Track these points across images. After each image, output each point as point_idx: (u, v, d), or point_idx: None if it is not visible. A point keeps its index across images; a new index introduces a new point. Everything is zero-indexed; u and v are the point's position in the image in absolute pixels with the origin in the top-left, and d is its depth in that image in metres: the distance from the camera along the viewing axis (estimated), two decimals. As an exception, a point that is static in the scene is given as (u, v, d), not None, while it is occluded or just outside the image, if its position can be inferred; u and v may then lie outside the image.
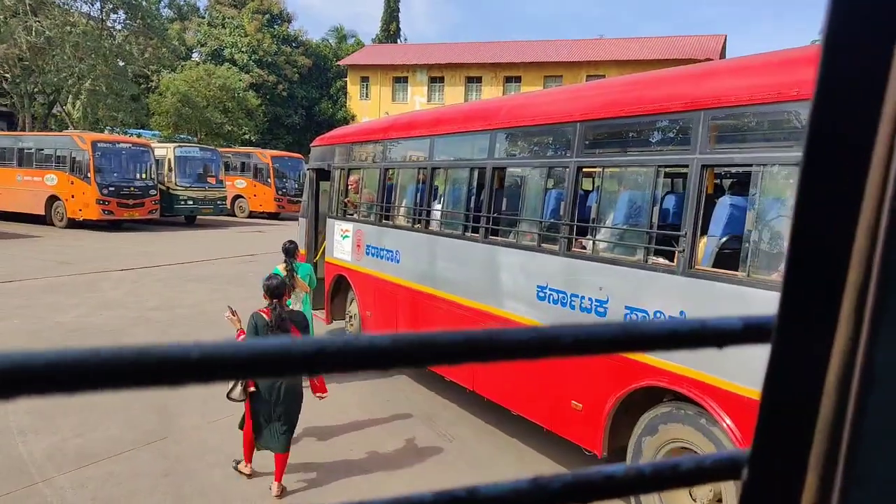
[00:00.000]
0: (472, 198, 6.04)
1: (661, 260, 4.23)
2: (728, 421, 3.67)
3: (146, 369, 0.37)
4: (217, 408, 6.13)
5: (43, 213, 21.75)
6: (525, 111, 5.49)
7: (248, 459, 5.08)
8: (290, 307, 5.48)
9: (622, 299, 4.34)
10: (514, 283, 5.37)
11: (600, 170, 4.79)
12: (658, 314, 4.08)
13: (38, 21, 31.20)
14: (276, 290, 4.87)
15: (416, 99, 43.00)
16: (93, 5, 35.55)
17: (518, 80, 41.08)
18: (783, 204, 3.60)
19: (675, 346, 0.49)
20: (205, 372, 0.39)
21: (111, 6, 35.77)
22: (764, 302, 3.42)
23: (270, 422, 4.79)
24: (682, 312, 3.94)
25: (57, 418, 5.88)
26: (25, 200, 22.02)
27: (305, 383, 5.33)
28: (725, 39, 38.20)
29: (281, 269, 6.23)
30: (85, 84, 33.43)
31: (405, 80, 44.87)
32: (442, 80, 43.64)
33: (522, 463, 5.46)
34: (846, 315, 0.38)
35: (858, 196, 0.37)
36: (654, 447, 4.20)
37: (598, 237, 4.76)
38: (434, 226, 6.68)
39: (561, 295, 4.84)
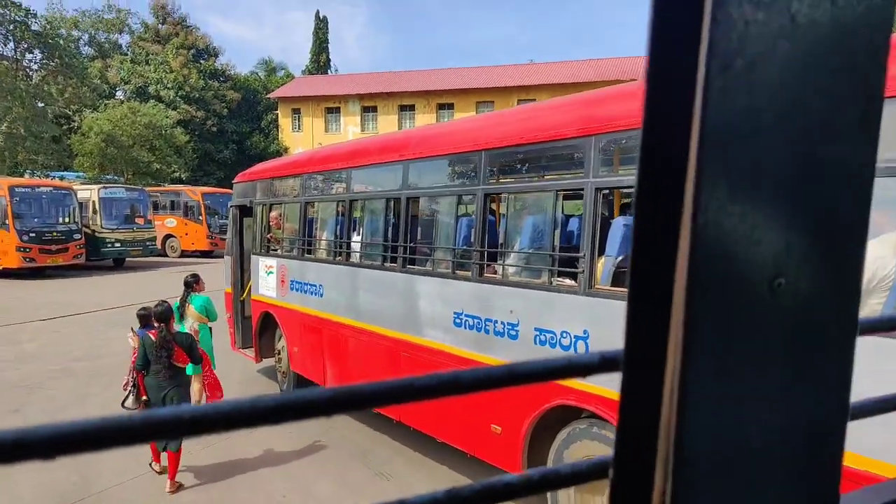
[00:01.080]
0: (390, 228, 6.10)
1: (565, 281, 4.36)
2: (634, 434, 3.79)
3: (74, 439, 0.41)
4: (137, 465, 5.93)
5: (-42, 263, 20.69)
6: (434, 142, 5.60)
7: (157, 458, 5.81)
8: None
9: (531, 321, 4.45)
10: (432, 311, 5.42)
11: (505, 196, 4.92)
12: (564, 334, 4.20)
13: (-52, 63, 29.96)
14: (162, 315, 5.62)
15: (350, 129, 43.04)
16: (6, 45, 34.38)
17: (451, 107, 41.67)
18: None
19: (551, 378, 0.59)
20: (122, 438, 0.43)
21: (26, 46, 34.64)
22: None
23: None
24: (585, 331, 4.06)
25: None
26: (-62, 251, 20.89)
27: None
28: (646, 61, 39.76)
29: (178, 299, 6.79)
30: (1, 127, 32.15)
31: (338, 110, 44.88)
32: (375, 109, 43.85)
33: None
34: (672, 348, 0.48)
35: (673, 256, 0.47)
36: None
37: (506, 262, 4.87)
38: (354, 258, 6.70)
39: (476, 320, 4.91)
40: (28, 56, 35.63)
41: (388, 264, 6.03)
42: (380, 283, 6.12)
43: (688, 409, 0.48)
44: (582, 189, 4.16)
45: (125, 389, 5.89)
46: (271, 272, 8.16)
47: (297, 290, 7.55)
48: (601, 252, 4.21)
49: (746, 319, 0.49)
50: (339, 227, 6.98)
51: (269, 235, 8.46)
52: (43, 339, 11.55)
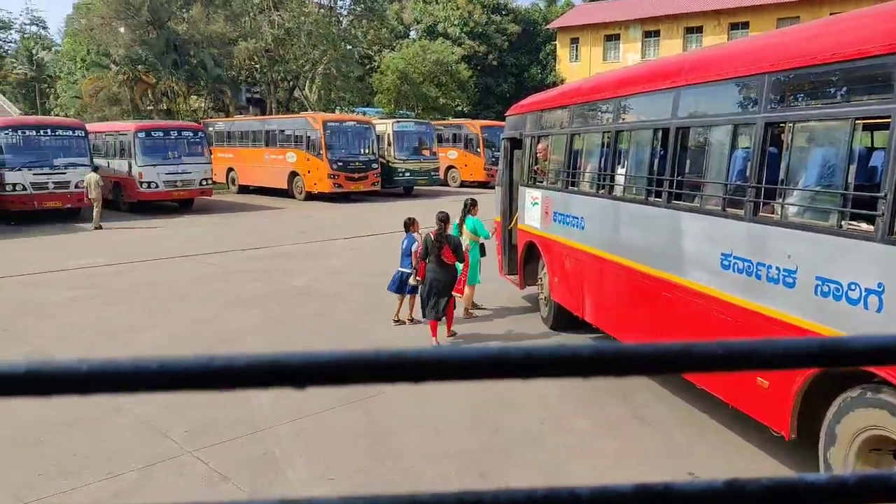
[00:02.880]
0: (655, 161, 5.78)
1: (859, 225, 3.74)
2: (935, 409, 3.19)
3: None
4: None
5: (286, 187, 24.76)
6: (709, 65, 5.09)
7: (435, 333, 7.50)
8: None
9: (813, 269, 3.92)
10: (696, 251, 5.08)
11: (790, 126, 4.32)
12: (853, 286, 3.63)
13: (279, 14, 35.20)
14: (442, 218, 7.61)
15: (629, 56, 40.99)
16: (322, -6, 39.17)
17: (745, 25, 37.16)
18: None
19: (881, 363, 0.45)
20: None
21: (337, -7, 39.13)
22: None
23: (430, 299, 7.39)
24: (880, 284, 3.47)
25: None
26: (272, 176, 25.28)
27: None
28: None
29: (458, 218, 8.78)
30: (318, 69, 37.13)
31: (617, 37, 43.01)
32: (657, 34, 41.05)
33: (727, 457, 4.86)
34: None
35: None
36: (849, 434, 3.78)
37: (787, 200, 4.32)
38: (617, 191, 6.51)
39: (746, 263, 4.49)
40: (339, 3, 40.22)
41: (652, 199, 5.76)
42: (643, 219, 5.89)
43: None
44: (888, 117, 3.47)
45: (411, 272, 7.96)
46: (536, 203, 8.34)
47: (559, 221, 7.62)
48: (912, 192, 3.50)
49: None
50: (602, 159, 6.82)
51: (535, 167, 8.61)
52: (345, 256, 13.42)
